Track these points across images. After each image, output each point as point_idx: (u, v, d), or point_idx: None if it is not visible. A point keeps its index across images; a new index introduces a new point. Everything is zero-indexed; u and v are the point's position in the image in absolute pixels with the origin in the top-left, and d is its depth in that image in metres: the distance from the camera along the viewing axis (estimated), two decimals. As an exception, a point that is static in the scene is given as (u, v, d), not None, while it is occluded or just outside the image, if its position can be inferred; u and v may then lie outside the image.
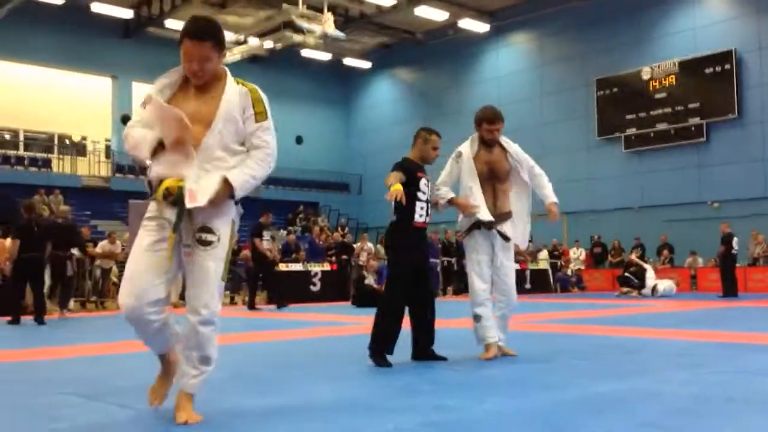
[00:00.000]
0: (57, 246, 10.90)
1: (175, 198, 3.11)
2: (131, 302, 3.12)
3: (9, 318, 10.02)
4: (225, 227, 3.23)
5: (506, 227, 5.38)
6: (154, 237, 3.17)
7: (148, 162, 3.23)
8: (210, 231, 3.19)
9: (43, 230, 10.42)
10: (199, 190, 3.11)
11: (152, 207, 3.22)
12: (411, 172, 5.13)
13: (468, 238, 5.37)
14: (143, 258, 3.16)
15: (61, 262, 11.24)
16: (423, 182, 5.18)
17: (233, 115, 3.21)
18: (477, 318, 5.27)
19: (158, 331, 3.23)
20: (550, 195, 5.48)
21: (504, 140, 5.52)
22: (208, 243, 3.18)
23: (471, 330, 5.39)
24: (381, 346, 4.97)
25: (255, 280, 13.77)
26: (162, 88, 3.35)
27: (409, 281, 5.11)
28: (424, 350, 5.16)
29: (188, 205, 3.09)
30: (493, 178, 5.37)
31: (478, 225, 5.30)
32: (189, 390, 3.19)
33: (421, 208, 5.15)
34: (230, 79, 3.29)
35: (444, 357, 5.14)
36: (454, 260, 17.93)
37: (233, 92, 3.24)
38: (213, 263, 3.18)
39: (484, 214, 5.27)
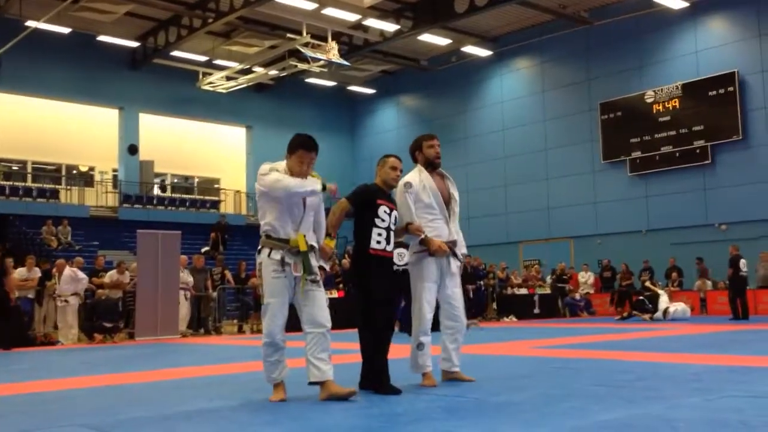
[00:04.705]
0: None
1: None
2: None
3: None
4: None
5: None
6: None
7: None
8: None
9: None
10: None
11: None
12: (371, 196, 5.10)
13: (418, 264, 5.29)
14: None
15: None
16: (383, 209, 5.07)
17: None
18: (421, 346, 5.22)
19: None
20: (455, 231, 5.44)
21: (443, 171, 5.57)
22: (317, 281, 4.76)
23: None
24: (378, 375, 4.96)
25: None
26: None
27: (382, 304, 5.03)
28: (377, 380, 4.99)
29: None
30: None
31: (431, 251, 5.24)
32: (332, 377, 4.64)
33: (379, 235, 5.02)
34: None
35: (400, 390, 4.92)
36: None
37: None
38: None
39: (443, 235, 5.28)
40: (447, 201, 5.42)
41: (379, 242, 5.03)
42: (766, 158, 19.87)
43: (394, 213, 5.17)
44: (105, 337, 13.13)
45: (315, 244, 4.83)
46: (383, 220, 5.06)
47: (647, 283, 17.92)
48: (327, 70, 24.16)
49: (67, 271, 13.40)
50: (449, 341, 5.37)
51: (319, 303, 4.73)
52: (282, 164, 4.75)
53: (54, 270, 13.91)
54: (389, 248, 5.10)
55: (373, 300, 5.02)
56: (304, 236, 4.71)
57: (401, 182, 5.35)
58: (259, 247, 4.75)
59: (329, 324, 4.73)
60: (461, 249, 5.52)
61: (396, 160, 5.27)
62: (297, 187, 4.61)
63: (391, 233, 5.12)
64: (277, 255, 4.65)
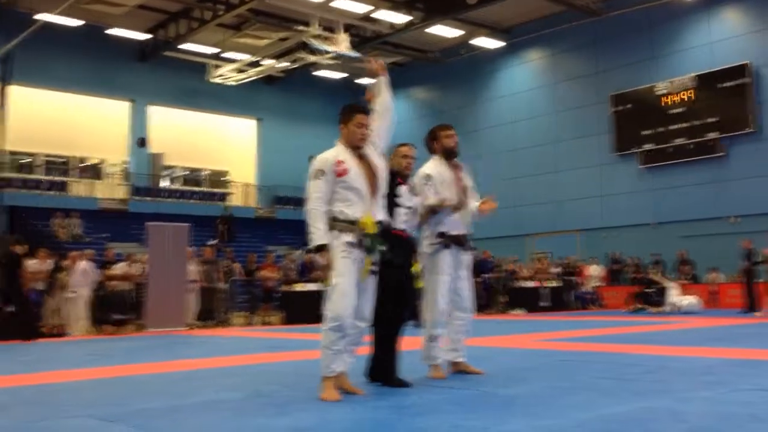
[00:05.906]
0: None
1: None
2: None
3: None
4: None
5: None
6: None
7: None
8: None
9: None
10: None
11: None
12: (391, 177, 4.98)
13: (433, 257, 5.29)
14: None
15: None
16: (404, 188, 5.03)
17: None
18: (433, 338, 5.24)
19: None
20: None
21: (458, 162, 5.55)
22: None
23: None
24: (385, 367, 4.93)
25: None
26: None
27: (393, 294, 4.89)
28: (386, 372, 4.92)
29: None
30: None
31: (448, 244, 5.26)
32: (347, 370, 4.56)
33: (405, 215, 4.98)
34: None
35: (409, 383, 4.88)
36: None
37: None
38: None
39: (459, 228, 5.32)
40: (463, 194, 5.42)
41: (403, 221, 4.99)
42: (779, 151, 19.70)
43: (417, 198, 5.15)
44: (115, 329, 13.18)
45: (386, 218, 4.68)
46: (407, 200, 5.03)
47: (651, 276, 17.80)
48: (337, 62, 24.12)
49: (82, 264, 13.50)
50: (456, 332, 5.39)
51: (369, 296, 4.64)
52: (331, 152, 4.67)
53: (67, 262, 13.98)
54: (409, 231, 5.06)
55: (385, 289, 4.88)
56: (372, 215, 4.56)
57: (421, 173, 5.34)
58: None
59: (369, 319, 4.70)
60: None
61: (408, 148, 5.20)
62: (311, 221, 4.49)
63: (414, 217, 5.09)
64: (347, 237, 4.52)
